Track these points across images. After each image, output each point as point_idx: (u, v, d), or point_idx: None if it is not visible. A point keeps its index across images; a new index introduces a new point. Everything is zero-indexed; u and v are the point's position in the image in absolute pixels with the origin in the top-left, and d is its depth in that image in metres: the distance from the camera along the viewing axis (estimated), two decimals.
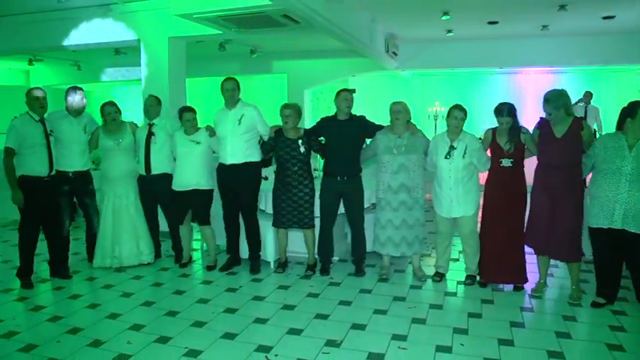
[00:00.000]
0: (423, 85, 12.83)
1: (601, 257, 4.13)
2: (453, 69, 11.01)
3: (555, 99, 4.07)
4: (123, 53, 9.49)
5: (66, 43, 7.27)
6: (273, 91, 12.35)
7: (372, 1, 6.80)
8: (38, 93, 4.68)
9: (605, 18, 7.73)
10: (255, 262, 5.11)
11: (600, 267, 4.15)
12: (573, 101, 6.25)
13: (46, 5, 6.78)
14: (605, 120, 9.21)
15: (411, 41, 9.81)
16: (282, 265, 5.15)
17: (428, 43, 9.82)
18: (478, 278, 4.68)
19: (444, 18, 7.49)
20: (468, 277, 4.72)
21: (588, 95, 9.43)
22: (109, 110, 5.08)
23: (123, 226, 5.18)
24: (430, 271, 4.96)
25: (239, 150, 4.88)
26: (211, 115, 5.18)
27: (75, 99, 5.00)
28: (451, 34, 8.88)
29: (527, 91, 11.70)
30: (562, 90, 4.16)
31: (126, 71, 12.13)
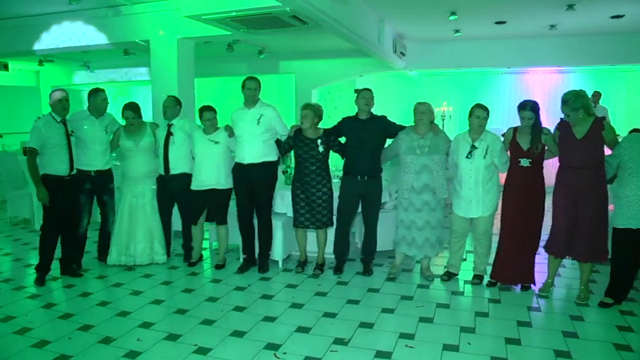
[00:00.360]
0: (430, 85, 12.81)
1: (621, 258, 4.07)
2: (461, 69, 11.00)
3: (573, 100, 4.04)
4: (132, 54, 9.56)
5: (76, 44, 7.35)
6: (281, 91, 12.40)
7: (379, 2, 6.82)
8: (62, 95, 4.76)
9: (613, 17, 7.69)
10: (265, 261, 5.15)
11: (619, 267, 4.10)
12: None
13: (56, 7, 6.85)
14: (614, 120, 9.17)
15: (418, 41, 9.81)
16: (302, 264, 5.16)
17: (435, 43, 9.82)
18: (486, 279, 4.70)
19: (451, 18, 7.49)
20: (475, 276, 4.73)
21: (597, 95, 9.40)
22: (127, 115, 5.14)
23: (139, 225, 5.24)
24: (438, 270, 4.97)
25: (257, 150, 4.91)
26: (220, 115, 5.22)
27: (96, 100, 5.07)
28: (459, 34, 8.87)
29: (535, 91, 11.65)
30: (580, 90, 4.12)
31: (124, 73, 12.25)
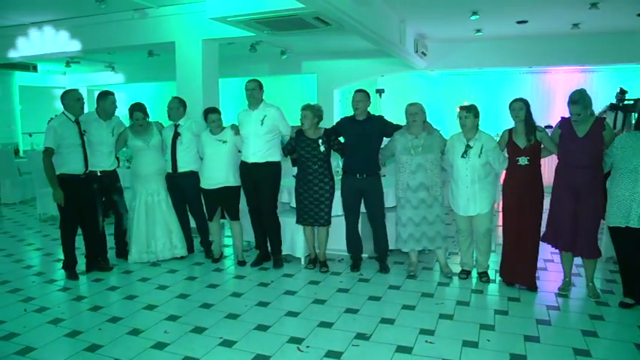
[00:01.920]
0: (451, 84, 12.78)
1: (623, 256, 4.14)
2: (482, 69, 10.96)
3: (582, 99, 4.09)
4: (156, 55, 9.74)
5: (105, 45, 7.53)
6: (302, 91, 12.51)
7: (401, 2, 6.86)
8: (79, 95, 4.91)
9: (639, 15, 7.61)
10: (277, 257, 5.26)
11: (623, 267, 4.16)
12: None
13: (84, 9, 7.04)
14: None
15: (440, 41, 9.81)
16: (313, 261, 5.27)
17: (457, 43, 9.81)
18: (493, 275, 4.76)
19: (473, 18, 7.50)
20: (480, 274, 4.80)
21: (622, 92, 9.32)
22: (137, 116, 5.27)
23: (156, 221, 5.39)
24: (457, 269, 5.02)
25: (261, 149, 5.04)
26: (235, 115, 5.35)
27: (106, 103, 5.21)
28: (480, 33, 8.86)
29: (557, 91, 11.57)
30: (583, 89, 4.20)
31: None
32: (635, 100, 4.43)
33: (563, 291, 4.45)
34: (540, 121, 4.58)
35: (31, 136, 11.68)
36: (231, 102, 12.21)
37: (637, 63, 9.71)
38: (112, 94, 5.29)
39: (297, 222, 5.15)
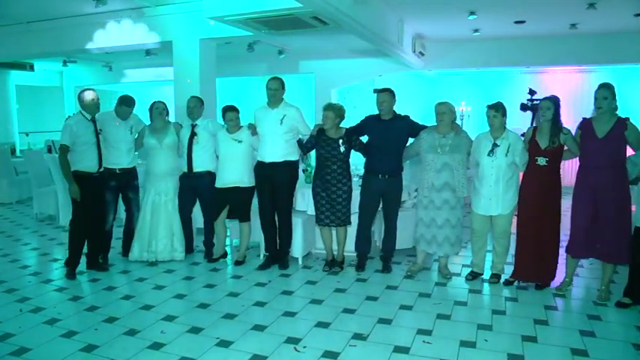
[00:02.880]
0: (449, 84, 12.77)
1: None
2: (480, 69, 10.96)
3: (611, 87, 4.06)
4: (153, 54, 9.72)
5: (101, 45, 7.51)
6: (300, 90, 12.49)
7: (399, 2, 6.86)
8: (94, 95, 4.91)
9: (637, 15, 7.62)
10: (285, 258, 5.23)
11: (637, 268, 4.07)
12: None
13: (82, 9, 7.02)
14: (636, 121, 9.06)
15: (437, 41, 9.81)
16: (330, 263, 5.19)
17: (454, 43, 9.80)
18: (503, 277, 4.72)
19: (470, 17, 7.50)
20: (493, 275, 4.76)
21: (532, 92, 9.44)
22: (158, 106, 5.34)
23: (160, 221, 5.37)
24: (456, 269, 5.01)
25: (279, 149, 5.00)
26: (241, 114, 5.32)
27: (125, 111, 5.22)
28: (477, 33, 8.86)
29: (555, 91, 11.55)
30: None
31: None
32: (541, 100, 4.42)
33: (561, 291, 4.44)
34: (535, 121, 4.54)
35: (27, 135, 11.66)
36: (228, 102, 12.18)
37: (634, 63, 9.72)
38: (91, 90, 5.13)
39: (317, 223, 5.13)
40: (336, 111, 4.91)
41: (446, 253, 4.85)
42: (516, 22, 8.12)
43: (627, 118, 4.14)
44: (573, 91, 10.98)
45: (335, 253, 5.24)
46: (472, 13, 7.33)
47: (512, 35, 9.19)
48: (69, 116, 5.02)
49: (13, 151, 10.58)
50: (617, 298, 4.22)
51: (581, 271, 4.99)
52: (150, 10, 6.93)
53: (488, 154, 4.51)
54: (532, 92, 6.13)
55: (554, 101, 4.34)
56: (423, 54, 9.54)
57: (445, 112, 4.68)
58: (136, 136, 5.37)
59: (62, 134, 4.83)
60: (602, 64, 10.01)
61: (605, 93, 4.06)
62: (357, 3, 5.61)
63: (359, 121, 5.13)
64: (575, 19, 7.91)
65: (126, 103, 5.20)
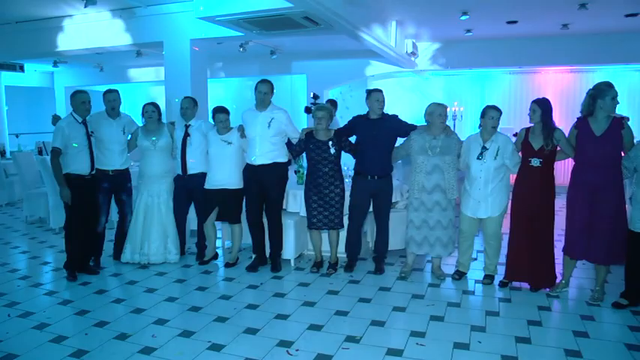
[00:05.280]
0: (441, 84, 12.78)
1: (636, 261, 4.05)
2: (472, 69, 10.98)
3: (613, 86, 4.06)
4: (145, 55, 9.66)
5: (91, 45, 7.46)
6: (292, 91, 12.47)
7: (391, 2, 6.84)
8: (85, 97, 4.86)
9: (627, 15, 7.65)
10: (277, 260, 5.19)
11: (634, 270, 4.07)
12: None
13: (72, 10, 6.96)
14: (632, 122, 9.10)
15: (430, 41, 9.82)
16: (318, 265, 5.18)
17: (447, 43, 9.82)
18: (497, 279, 4.71)
19: (463, 18, 7.50)
20: (486, 276, 4.75)
21: (315, 97, 9.52)
22: (147, 109, 5.29)
23: (153, 223, 5.31)
24: (449, 270, 5.00)
25: (267, 152, 4.97)
26: (230, 116, 5.28)
27: (105, 99, 5.18)
28: (470, 33, 8.87)
29: (547, 91, 11.59)
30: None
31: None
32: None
33: (554, 292, 4.43)
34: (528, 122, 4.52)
35: (17, 137, 11.55)
36: (219, 103, 12.14)
37: (625, 63, 9.77)
38: (115, 90, 5.24)
39: (308, 227, 5.10)
40: (329, 111, 4.88)
41: (438, 254, 4.83)
42: (508, 23, 8.13)
43: (622, 117, 4.13)
44: (565, 91, 11.01)
45: (325, 255, 5.21)
46: (464, 13, 7.33)
47: (505, 35, 9.21)
48: (60, 118, 4.92)
49: (2, 153, 10.46)
50: (611, 298, 4.22)
51: (574, 272, 4.95)
52: (140, 10, 6.88)
53: (478, 158, 4.51)
54: (315, 97, 6.33)
55: (540, 103, 4.32)
56: (415, 54, 9.53)
57: (441, 113, 4.66)
58: (128, 137, 5.31)
59: (54, 137, 4.77)
60: (593, 64, 10.05)
61: (613, 94, 4.05)
62: (348, 3, 5.59)
63: (347, 122, 5.12)
64: (566, 20, 7.93)
65: (107, 92, 5.19)
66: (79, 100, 4.83)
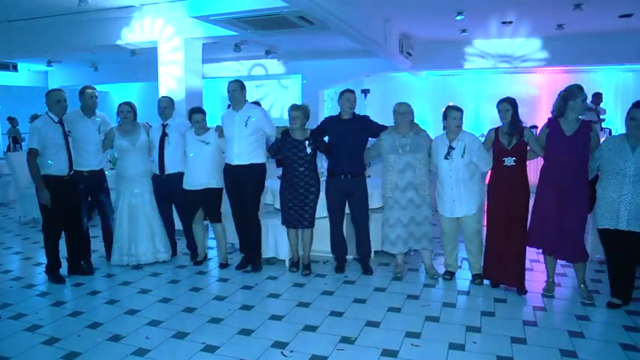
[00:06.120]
0: (437, 84, 12.80)
1: (612, 258, 4.16)
2: (467, 69, 11.00)
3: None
4: (139, 54, 9.62)
5: (85, 45, 7.41)
6: (287, 91, 12.47)
7: (386, 2, 6.84)
8: (60, 95, 4.77)
9: (622, 16, 7.68)
10: (256, 261, 5.17)
11: (612, 268, 4.17)
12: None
13: (65, 8, 6.91)
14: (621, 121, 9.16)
15: (425, 41, 9.82)
16: (296, 264, 5.19)
17: (442, 43, 9.83)
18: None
19: (458, 18, 7.51)
20: (474, 275, 4.76)
21: (598, 96, 9.54)
22: (123, 109, 5.22)
23: (139, 224, 5.27)
24: (443, 270, 4.98)
25: (245, 152, 4.96)
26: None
27: (84, 98, 5.12)
28: (465, 33, 8.88)
29: (542, 91, 11.65)
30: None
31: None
32: (498, 102, 4.44)
33: (548, 292, 4.44)
34: (526, 122, 4.56)
35: (10, 137, 11.50)
36: (215, 103, 12.12)
37: (620, 64, 9.81)
38: (91, 88, 5.17)
39: (283, 224, 5.09)
40: (304, 111, 4.89)
41: (411, 248, 4.88)
42: (504, 23, 8.15)
43: (591, 121, 4.23)
44: (560, 91, 11.03)
45: (300, 254, 5.21)
46: (460, 13, 7.34)
47: (500, 35, 9.23)
48: (33, 115, 4.86)
49: None
50: (605, 297, 4.23)
51: (569, 271, 4.98)
52: (134, 9, 6.84)
53: (445, 158, 4.53)
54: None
55: (512, 103, 4.36)
56: (410, 54, 9.53)
57: (405, 112, 4.71)
58: (103, 138, 5.23)
59: (30, 138, 4.67)
60: (588, 64, 10.09)
61: (584, 96, 4.16)
62: (343, 2, 5.57)
63: (319, 123, 5.15)
64: (561, 20, 7.96)
65: (83, 89, 5.13)
66: (54, 98, 4.73)
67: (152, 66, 7.08)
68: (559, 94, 4.25)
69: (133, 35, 7.07)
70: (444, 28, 8.57)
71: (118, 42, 7.19)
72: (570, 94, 4.15)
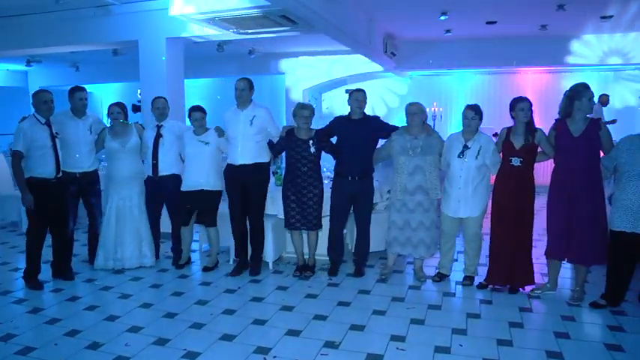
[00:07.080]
0: (421, 84, 12.80)
1: (618, 261, 4.03)
2: (452, 69, 11.01)
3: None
4: (121, 54, 9.48)
5: (64, 43, 7.27)
6: (271, 91, 12.37)
7: (370, 1, 6.80)
8: (47, 96, 4.65)
9: (603, 17, 7.73)
10: (257, 264, 5.09)
11: (615, 271, 4.06)
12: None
13: (44, 5, 6.78)
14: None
15: (409, 41, 9.82)
16: (301, 269, 5.04)
17: (426, 43, 9.83)
18: (477, 280, 4.68)
19: (442, 18, 7.50)
20: (466, 277, 4.71)
21: (604, 97, 9.57)
22: (113, 110, 5.11)
23: (126, 227, 5.16)
24: (430, 272, 4.95)
25: (250, 151, 4.86)
26: (210, 116, 5.16)
27: (75, 98, 5.01)
28: (449, 33, 8.88)
29: (526, 91, 11.68)
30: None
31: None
32: (518, 101, 4.40)
33: (535, 293, 4.41)
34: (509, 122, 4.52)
35: None
36: (197, 103, 11.97)
37: (602, 65, 9.88)
38: (81, 89, 5.06)
39: (286, 226, 4.99)
40: (310, 109, 4.81)
41: (421, 256, 4.78)
42: (488, 23, 8.16)
43: (600, 119, 4.15)
44: (543, 91, 11.10)
45: (306, 257, 5.12)
46: (444, 13, 7.33)
47: (484, 36, 9.26)
48: (23, 118, 4.74)
49: None
50: (591, 297, 4.22)
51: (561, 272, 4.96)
52: (115, 7, 6.73)
53: (459, 156, 4.46)
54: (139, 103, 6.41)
55: (529, 102, 4.31)
56: (394, 54, 9.51)
57: (417, 112, 4.62)
58: (95, 138, 5.13)
59: (15, 139, 4.55)
60: (571, 65, 10.15)
61: (591, 95, 4.07)
62: (327, 1, 5.52)
63: (328, 123, 5.04)
64: (544, 20, 7.99)
65: (73, 90, 5.03)
66: (41, 99, 4.61)
67: (135, 66, 6.96)
68: (564, 94, 4.16)
69: (112, 34, 6.94)
70: (428, 28, 8.57)
71: (98, 40, 7.07)
72: (576, 94, 4.07)
